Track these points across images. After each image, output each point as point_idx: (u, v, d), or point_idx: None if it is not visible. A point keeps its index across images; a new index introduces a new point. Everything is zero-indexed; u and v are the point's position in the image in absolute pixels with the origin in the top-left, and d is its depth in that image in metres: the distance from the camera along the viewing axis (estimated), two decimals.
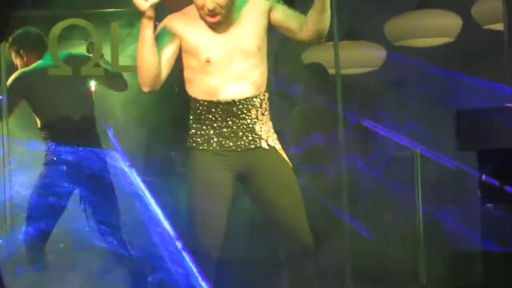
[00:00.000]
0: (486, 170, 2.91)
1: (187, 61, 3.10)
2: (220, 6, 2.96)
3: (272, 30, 3.18)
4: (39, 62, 4.20)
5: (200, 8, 2.99)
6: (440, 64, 5.27)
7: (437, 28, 5.11)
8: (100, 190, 4.13)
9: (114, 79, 4.29)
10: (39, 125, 4.19)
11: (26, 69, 4.19)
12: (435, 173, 5.11)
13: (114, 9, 4.54)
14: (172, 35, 3.05)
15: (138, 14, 2.96)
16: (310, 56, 5.17)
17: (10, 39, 4.20)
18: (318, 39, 3.12)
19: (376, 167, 5.13)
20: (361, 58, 5.37)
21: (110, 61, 4.26)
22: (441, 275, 4.66)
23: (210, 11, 2.97)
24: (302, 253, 3.21)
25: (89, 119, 4.25)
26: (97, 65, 4.23)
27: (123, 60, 4.29)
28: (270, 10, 3.13)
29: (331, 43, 4.59)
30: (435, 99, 5.29)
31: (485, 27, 4.97)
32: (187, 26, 3.07)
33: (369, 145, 5.40)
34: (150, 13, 2.90)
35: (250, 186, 3.19)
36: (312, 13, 3.04)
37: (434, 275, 4.61)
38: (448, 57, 5.31)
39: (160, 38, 3.03)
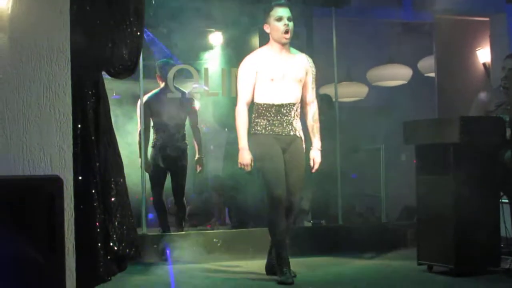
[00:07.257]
0: None
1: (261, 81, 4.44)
2: (290, 29, 4.44)
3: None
4: (162, 86, 6.44)
5: (280, 32, 4.42)
6: None
7: (397, 75, 8.18)
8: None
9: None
10: (152, 124, 6.39)
11: (153, 92, 6.42)
12: None
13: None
14: (255, 71, 4.46)
15: None
16: (322, 90, 7.83)
17: (158, 66, 6.45)
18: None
19: None
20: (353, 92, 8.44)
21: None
22: None
23: (286, 32, 4.41)
24: (290, 203, 4.45)
25: (181, 124, 6.48)
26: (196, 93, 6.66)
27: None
28: (307, 71, 4.56)
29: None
30: None
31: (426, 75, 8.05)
32: (262, 62, 4.48)
33: None
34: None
35: (285, 155, 4.48)
36: (311, 132, 4.61)
37: None
38: None
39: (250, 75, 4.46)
